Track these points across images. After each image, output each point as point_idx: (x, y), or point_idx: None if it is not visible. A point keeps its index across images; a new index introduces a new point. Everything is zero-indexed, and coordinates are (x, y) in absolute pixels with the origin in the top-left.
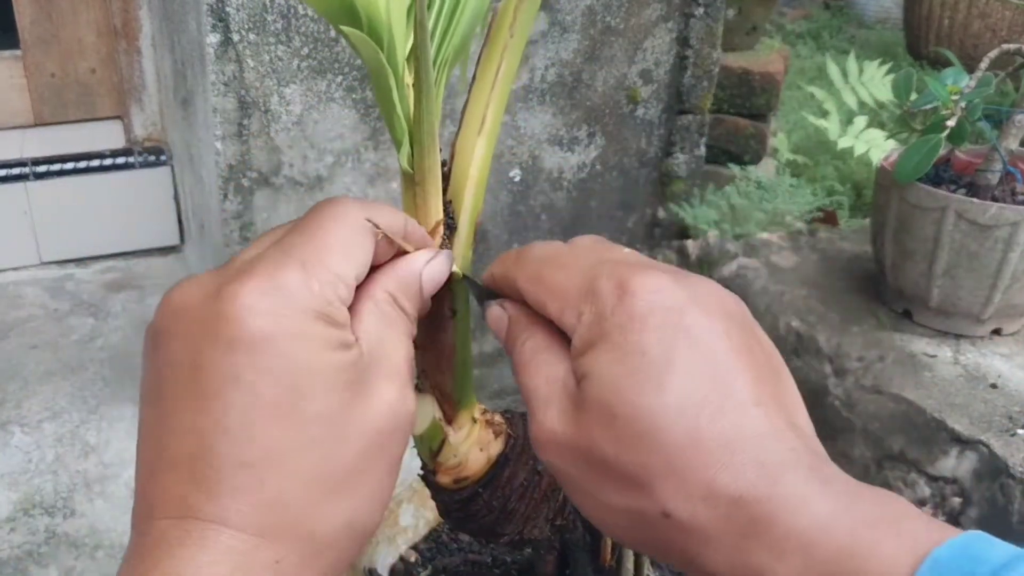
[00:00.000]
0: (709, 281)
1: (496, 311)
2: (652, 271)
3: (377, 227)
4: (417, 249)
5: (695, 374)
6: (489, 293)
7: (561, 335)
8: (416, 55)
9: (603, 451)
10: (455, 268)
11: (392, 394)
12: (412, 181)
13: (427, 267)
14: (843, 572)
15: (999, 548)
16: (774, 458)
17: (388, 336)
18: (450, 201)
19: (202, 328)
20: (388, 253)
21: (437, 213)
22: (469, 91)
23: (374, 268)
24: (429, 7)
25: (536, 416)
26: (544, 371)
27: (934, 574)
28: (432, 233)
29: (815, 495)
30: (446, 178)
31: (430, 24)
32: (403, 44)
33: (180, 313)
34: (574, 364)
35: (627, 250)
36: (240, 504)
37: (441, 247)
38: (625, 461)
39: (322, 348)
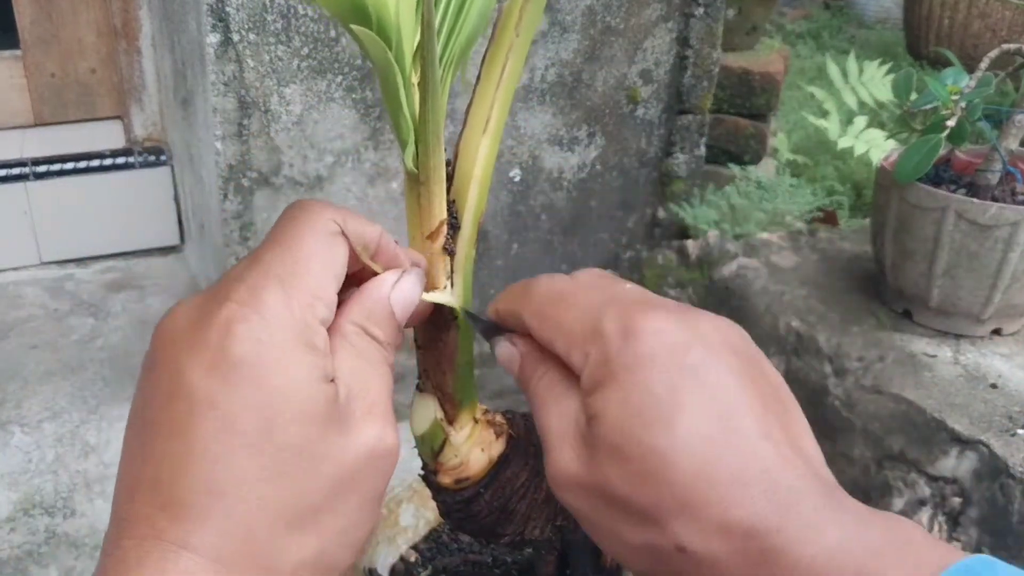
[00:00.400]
0: (714, 316)
1: (507, 348)
2: (655, 310)
3: (346, 237)
4: (387, 268)
5: (702, 411)
6: (494, 327)
7: (572, 370)
8: (422, 54)
9: (616, 490)
10: (456, 307)
11: (371, 431)
12: (416, 181)
13: (395, 290)
14: None
15: (1003, 571)
16: (784, 489)
17: (362, 370)
18: (453, 200)
19: (185, 354)
20: (356, 266)
21: (441, 213)
22: (474, 91)
23: (342, 296)
24: (436, 6)
25: (551, 456)
26: (557, 408)
27: None
28: (436, 233)
29: (824, 524)
30: (450, 178)
31: (436, 23)
32: (411, 43)
33: (167, 339)
34: (584, 403)
35: (630, 285)
36: (203, 529)
37: (444, 247)
38: (638, 499)
39: (302, 379)
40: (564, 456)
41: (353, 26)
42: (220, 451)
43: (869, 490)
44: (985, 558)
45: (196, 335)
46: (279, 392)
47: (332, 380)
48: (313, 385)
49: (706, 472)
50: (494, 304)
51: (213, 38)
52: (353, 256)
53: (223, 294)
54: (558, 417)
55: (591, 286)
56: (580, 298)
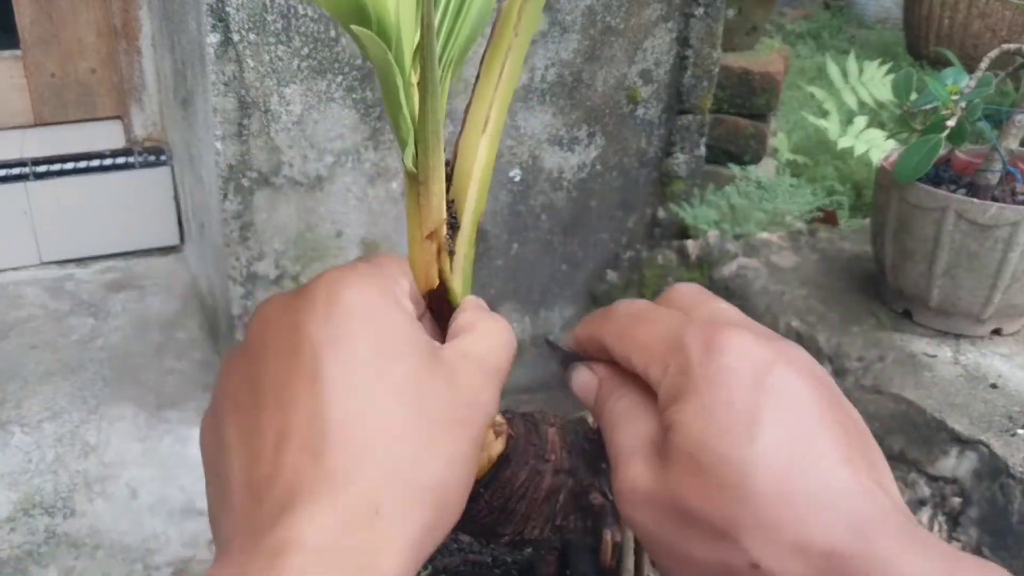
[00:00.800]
0: (797, 346)
1: (585, 374)
2: (739, 328)
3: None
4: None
5: (783, 429)
6: (573, 356)
7: (651, 393)
8: (422, 54)
9: (689, 503)
10: (548, 337)
11: (473, 381)
12: (416, 181)
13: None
14: None
15: None
16: (864, 516)
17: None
18: (453, 200)
19: (297, 313)
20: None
21: (440, 213)
22: (472, 91)
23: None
24: (435, 7)
25: (620, 470)
26: (631, 426)
27: None
28: (435, 233)
29: (909, 554)
30: (449, 178)
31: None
32: (411, 44)
33: (273, 312)
34: (660, 416)
35: (725, 304)
36: (342, 458)
37: (445, 247)
38: (712, 513)
39: (402, 320)
40: (635, 470)
41: (353, 27)
42: (350, 379)
43: None
44: None
45: (303, 300)
46: (389, 329)
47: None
48: (414, 326)
49: (785, 490)
50: (573, 331)
51: (213, 38)
52: None
53: (314, 280)
54: (632, 435)
55: (679, 303)
56: (661, 315)
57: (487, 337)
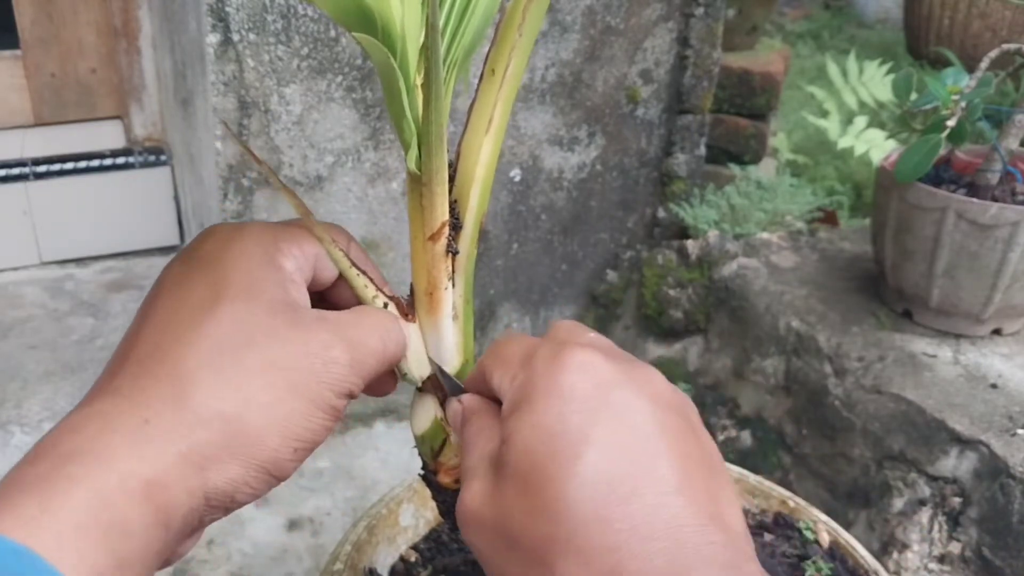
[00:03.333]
0: (653, 371)
1: (453, 404)
2: (592, 348)
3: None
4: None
5: (613, 450)
6: (458, 388)
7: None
8: (427, 56)
9: (513, 522)
10: (430, 363)
11: (320, 336)
12: (418, 182)
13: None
14: None
15: None
16: (687, 550)
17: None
18: (456, 201)
19: (169, 262)
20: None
21: (443, 213)
22: (476, 92)
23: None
24: (440, 7)
25: (461, 493)
26: (478, 448)
27: None
28: (438, 234)
29: None
30: (452, 178)
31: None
32: (415, 47)
33: (181, 254)
34: (501, 429)
35: (594, 334)
36: (135, 371)
37: (447, 248)
38: (532, 533)
39: (255, 269)
40: (472, 489)
41: (357, 34)
42: (170, 320)
43: (869, 490)
44: None
45: (196, 239)
46: (230, 274)
47: (293, 299)
48: (271, 280)
49: (606, 515)
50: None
51: (213, 38)
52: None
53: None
54: (476, 455)
55: (555, 336)
56: (528, 338)
57: (358, 314)
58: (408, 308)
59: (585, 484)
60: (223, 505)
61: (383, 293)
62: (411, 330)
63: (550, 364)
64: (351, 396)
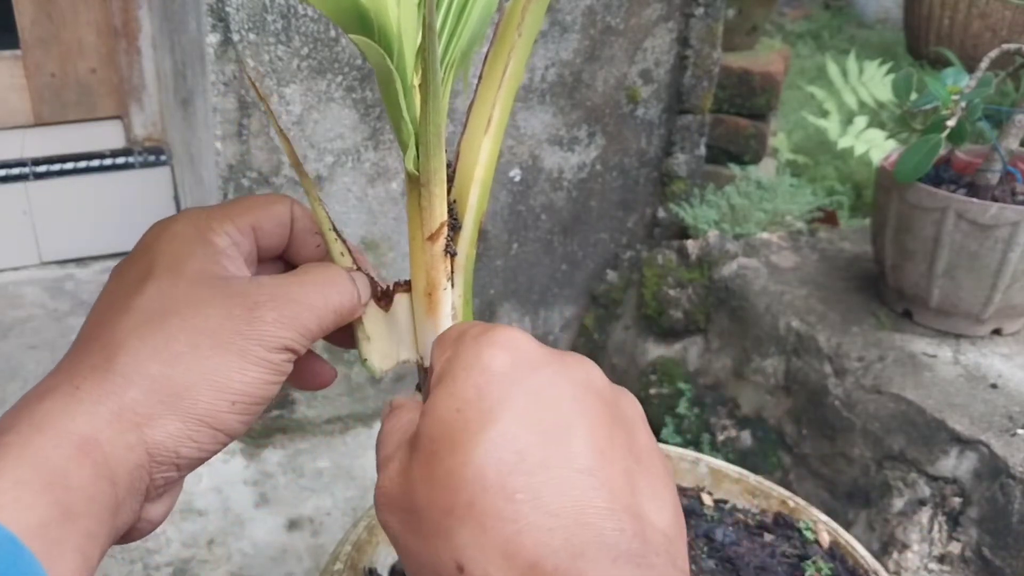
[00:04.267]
0: (591, 364)
1: (385, 404)
2: (521, 332)
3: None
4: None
5: (525, 422)
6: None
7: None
8: (424, 56)
9: (418, 495)
10: (419, 359)
11: (253, 298)
12: (417, 183)
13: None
14: None
15: None
16: (589, 532)
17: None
18: (455, 201)
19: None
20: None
21: (442, 214)
22: (475, 92)
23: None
24: (437, 7)
25: (378, 480)
26: (396, 437)
27: None
28: (436, 234)
29: None
30: (450, 179)
31: (438, 24)
32: (412, 48)
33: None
34: (423, 406)
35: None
36: (72, 351)
37: (445, 249)
38: (435, 503)
39: (188, 245)
40: (387, 473)
41: (353, 35)
42: (106, 303)
43: (869, 490)
44: None
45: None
46: (159, 256)
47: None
48: (193, 251)
49: (510, 483)
50: None
51: (213, 38)
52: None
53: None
54: (394, 440)
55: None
56: (472, 322)
57: (300, 272)
58: (384, 297)
59: (491, 451)
60: (170, 460)
61: (357, 266)
62: (380, 318)
63: (478, 338)
64: (292, 351)
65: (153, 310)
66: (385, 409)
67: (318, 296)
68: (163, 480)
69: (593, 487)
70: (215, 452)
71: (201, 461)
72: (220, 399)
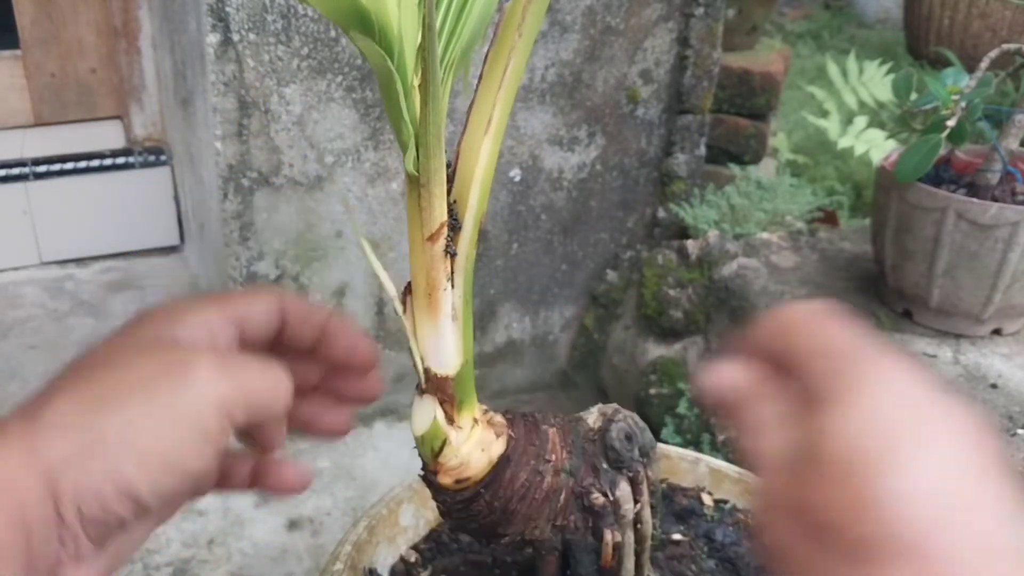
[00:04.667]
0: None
1: (735, 372)
2: (902, 356)
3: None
4: (345, 353)
5: (942, 463)
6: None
7: (798, 402)
8: (423, 56)
9: (833, 515)
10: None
11: (211, 377)
12: (417, 183)
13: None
14: None
15: None
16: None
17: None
18: (455, 202)
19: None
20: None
21: (442, 215)
22: (475, 92)
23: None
24: (437, 7)
25: (765, 482)
26: (781, 431)
27: None
28: (436, 234)
29: None
30: (450, 179)
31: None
32: (412, 49)
33: None
34: (811, 420)
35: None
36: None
37: (445, 249)
38: (857, 529)
39: (154, 336)
40: (778, 477)
41: (353, 36)
42: (66, 371)
43: None
44: None
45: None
46: (125, 325)
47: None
48: (159, 323)
49: (946, 522)
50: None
51: (213, 38)
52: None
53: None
54: (782, 439)
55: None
56: (829, 318)
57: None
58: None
59: (924, 488)
60: (72, 517)
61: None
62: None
63: (878, 359)
64: (229, 416)
65: (93, 364)
66: (735, 375)
67: (265, 375)
68: (73, 541)
69: (1009, 538)
70: (123, 518)
71: (107, 525)
72: (130, 455)
